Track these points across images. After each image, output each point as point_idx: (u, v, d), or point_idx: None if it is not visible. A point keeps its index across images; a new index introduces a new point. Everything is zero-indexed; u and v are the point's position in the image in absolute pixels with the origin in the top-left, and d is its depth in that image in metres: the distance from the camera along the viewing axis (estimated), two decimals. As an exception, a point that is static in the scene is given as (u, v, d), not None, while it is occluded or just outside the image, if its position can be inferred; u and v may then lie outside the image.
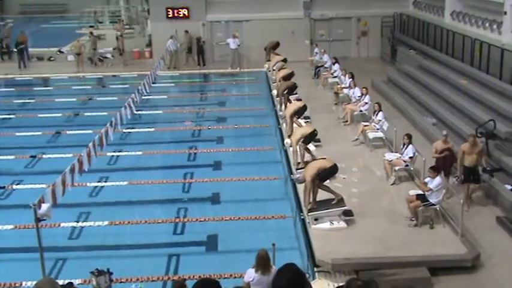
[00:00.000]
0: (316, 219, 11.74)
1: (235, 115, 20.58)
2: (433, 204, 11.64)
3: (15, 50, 29.34)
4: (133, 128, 18.46)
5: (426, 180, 11.92)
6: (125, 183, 14.74)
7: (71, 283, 4.56)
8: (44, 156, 16.91)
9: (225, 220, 12.58)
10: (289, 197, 13.87)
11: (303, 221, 12.13)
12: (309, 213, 11.81)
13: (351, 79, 20.35)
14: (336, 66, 23.47)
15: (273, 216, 12.67)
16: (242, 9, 28.40)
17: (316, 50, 26.93)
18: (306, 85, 23.52)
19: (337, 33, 29.52)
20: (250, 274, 8.26)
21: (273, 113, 20.65)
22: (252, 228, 12.25)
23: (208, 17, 28.94)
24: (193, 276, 9.36)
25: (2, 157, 16.79)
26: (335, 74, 23.17)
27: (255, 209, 13.02)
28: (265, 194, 14.06)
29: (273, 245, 9.03)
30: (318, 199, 12.16)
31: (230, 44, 27.33)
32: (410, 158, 13.82)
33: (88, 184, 14.39)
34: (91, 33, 30.36)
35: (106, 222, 12.56)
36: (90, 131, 17.27)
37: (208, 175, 15.27)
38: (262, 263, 8.20)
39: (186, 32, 28.16)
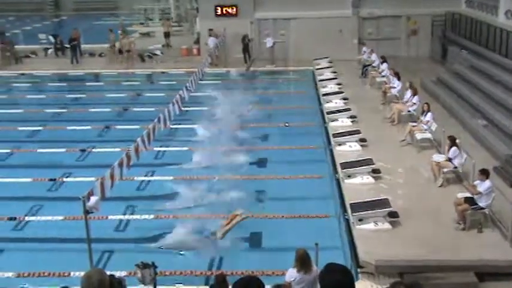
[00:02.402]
0: (360, 220, 11.64)
1: (280, 113, 20.56)
2: (482, 208, 11.37)
3: (68, 46, 30.12)
4: (180, 124, 18.64)
5: (475, 183, 11.65)
6: (171, 178, 14.95)
7: (113, 275, 4.65)
8: (93, 150, 17.31)
9: (269, 218, 12.60)
10: (334, 196, 13.79)
11: (347, 221, 12.04)
12: (354, 214, 11.71)
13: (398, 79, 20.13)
14: (384, 66, 23.17)
15: (316, 216, 12.62)
16: (290, 7, 28.31)
17: (364, 49, 26.63)
18: (353, 84, 23.34)
19: (386, 32, 29.08)
20: (292, 274, 8.24)
21: (319, 111, 20.57)
22: (295, 227, 12.22)
23: (256, 15, 29.00)
24: (236, 273, 9.44)
25: (53, 150, 17.26)
26: (383, 74, 22.88)
27: (299, 208, 12.99)
28: (309, 192, 14.01)
29: (316, 244, 9.00)
30: (363, 200, 12.03)
31: (267, 42, 27.44)
32: (450, 159, 13.54)
33: (135, 178, 14.65)
34: (110, 30, 30.70)
35: (152, 216, 12.78)
36: (138, 126, 17.57)
37: (253, 172, 15.31)
38: (303, 262, 8.17)
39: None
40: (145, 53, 29.79)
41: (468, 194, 11.89)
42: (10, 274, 10.64)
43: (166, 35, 32.19)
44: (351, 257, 10.85)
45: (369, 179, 13.94)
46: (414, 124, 16.58)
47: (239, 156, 16.56)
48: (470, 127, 17.14)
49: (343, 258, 10.84)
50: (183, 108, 17.50)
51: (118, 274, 9.55)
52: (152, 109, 19.53)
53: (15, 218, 12.90)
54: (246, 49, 28.18)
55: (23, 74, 27.97)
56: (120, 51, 28.95)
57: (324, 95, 21.65)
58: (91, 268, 8.39)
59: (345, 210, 12.52)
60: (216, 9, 28.86)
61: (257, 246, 11.75)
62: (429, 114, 16.34)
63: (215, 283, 8.44)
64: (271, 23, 29.17)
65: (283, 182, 14.62)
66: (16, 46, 30.97)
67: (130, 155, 11.70)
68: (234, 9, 28.83)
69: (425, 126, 16.20)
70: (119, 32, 30.53)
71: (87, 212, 9.33)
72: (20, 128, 19.47)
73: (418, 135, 16.01)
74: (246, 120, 19.89)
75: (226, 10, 28.86)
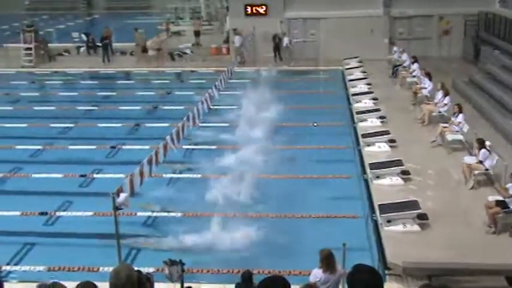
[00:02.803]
0: (389, 221, 11.54)
1: (309, 113, 20.48)
2: (514, 211, 11.17)
3: (100, 44, 30.53)
4: (209, 123, 18.71)
5: (507, 185, 11.44)
6: (199, 176, 15.03)
7: (140, 271, 4.69)
8: (123, 147, 17.52)
9: (296, 217, 12.58)
10: (362, 197, 13.70)
11: (375, 222, 11.95)
12: (382, 215, 11.62)
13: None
14: (415, 66, 22.92)
15: (344, 216, 12.56)
16: (320, 7, 28.22)
17: (394, 48, 26.39)
18: (383, 84, 23.16)
19: (417, 32, 28.78)
20: (317, 274, 8.21)
21: (348, 111, 20.45)
22: (322, 227, 12.18)
23: (286, 15, 28.97)
24: (262, 271, 9.45)
25: (84, 147, 17.53)
26: (414, 74, 22.63)
27: (327, 208, 12.94)
28: (337, 193, 13.94)
29: (344, 245, 8.95)
30: (391, 201, 11.93)
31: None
32: (481, 162, 13.32)
33: (164, 175, 14.77)
34: (136, 29, 30.91)
35: (180, 214, 12.87)
36: (167, 124, 17.71)
37: (282, 171, 15.30)
38: (328, 262, 8.13)
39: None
40: (176, 51, 30.02)
41: (500, 197, 11.70)
42: (41, 268, 10.84)
43: (197, 33, 32.39)
44: (378, 259, 10.76)
45: (398, 180, 13.81)
46: (445, 125, 16.36)
47: (268, 156, 16.56)
48: (502, 128, 16.84)
49: (371, 259, 10.76)
50: (212, 107, 17.59)
51: (146, 270, 9.70)
52: (181, 107, 19.68)
53: (46, 213, 13.14)
54: (277, 48, 28.22)
55: (56, 72, 28.45)
56: (145, 50, 29.22)
57: (354, 95, 21.53)
58: (119, 263, 8.49)
59: (373, 211, 12.43)
60: (246, 8, 28.93)
61: (284, 246, 11.72)
62: (461, 115, 16.11)
63: (241, 280, 8.47)
64: (301, 23, 29.12)
65: (312, 181, 14.58)
66: (50, 44, 31.54)
67: (159, 152, 11.81)
68: (264, 9, 28.86)
69: (456, 128, 15.98)
70: (164, 27, 30.59)
71: (116, 208, 9.44)
72: (52, 125, 19.81)
73: (449, 137, 15.80)
74: (275, 120, 19.88)
75: (256, 9, 28.91)
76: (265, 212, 12.91)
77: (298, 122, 19.42)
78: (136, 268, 4.65)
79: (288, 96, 23.19)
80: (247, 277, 8.67)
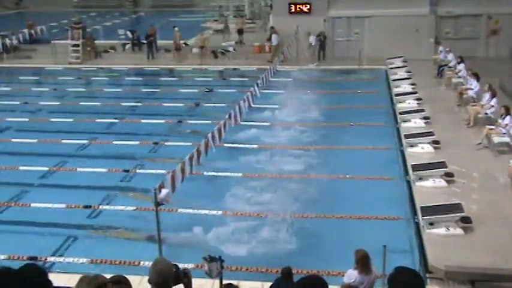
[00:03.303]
0: (431, 224, 11.35)
1: (351, 112, 20.32)
2: (562, 218, 10.84)
3: (145, 41, 30.97)
4: (250, 121, 18.75)
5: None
6: (240, 174, 15.09)
7: (177, 266, 4.76)
8: (165, 143, 17.74)
9: (336, 218, 12.50)
10: (404, 198, 13.51)
11: (417, 224, 11.77)
12: (424, 217, 11.44)
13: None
14: (461, 66, 22.44)
15: (385, 217, 12.42)
16: (365, 5, 27.95)
17: (440, 48, 25.91)
18: (428, 85, 22.78)
19: (464, 31, 28.18)
20: (351, 275, 8.14)
21: (391, 111, 20.20)
22: (363, 228, 12.07)
23: (330, 13, 28.79)
24: (301, 271, 9.42)
25: (127, 142, 17.81)
26: (460, 74, 22.17)
27: (368, 209, 12.81)
28: (378, 194, 13.79)
29: (384, 246, 8.86)
30: (434, 203, 11.72)
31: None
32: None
33: (205, 173, 14.88)
34: (174, 27, 31.09)
35: (220, 212, 12.95)
36: (209, 122, 17.85)
37: (321, 171, 15.22)
38: (363, 263, 8.05)
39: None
40: (219, 49, 30.20)
41: (547, 202, 11.37)
42: (84, 260, 11.08)
43: (240, 31, 32.52)
44: (419, 262, 10.60)
45: (441, 182, 13.56)
46: (492, 127, 15.98)
47: (309, 155, 16.52)
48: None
49: (412, 262, 10.60)
50: (253, 105, 17.64)
51: (185, 266, 9.81)
52: (223, 105, 19.80)
53: (90, 206, 13.41)
54: (321, 46, 28.11)
55: (101, 68, 29.02)
56: (177, 48, 29.50)
57: (397, 95, 21.24)
58: (158, 258, 8.59)
59: (415, 213, 12.25)
60: (289, 7, 28.88)
61: (323, 246, 11.67)
62: (508, 117, 15.70)
63: (281, 276, 8.48)
64: (345, 21, 28.90)
65: (353, 182, 14.46)
66: (96, 41, 32.16)
67: (200, 150, 11.92)
68: (308, 7, 28.75)
69: (503, 130, 15.58)
70: (223, 24, 30.80)
71: (158, 203, 9.57)
72: (98, 120, 20.21)
73: (496, 139, 15.42)
74: (316, 119, 19.81)
75: (299, 7, 28.83)
76: (305, 212, 12.87)
77: (340, 122, 19.28)
78: (173, 263, 4.70)
79: (330, 95, 23.07)
80: (286, 273, 8.70)
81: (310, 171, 15.23)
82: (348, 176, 14.69)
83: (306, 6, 28.78)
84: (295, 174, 15.11)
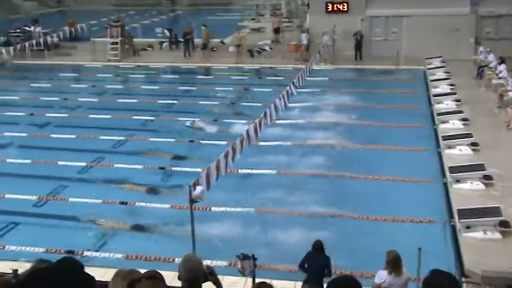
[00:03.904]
0: (468, 227, 11.15)
1: (388, 113, 20.11)
2: None
3: (182, 40, 31.23)
4: (285, 120, 18.72)
5: None
6: (274, 172, 15.09)
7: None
8: (201, 141, 17.84)
9: (371, 220, 12.39)
10: (440, 201, 13.31)
11: (453, 227, 11.58)
12: (461, 220, 11.24)
13: None
14: (502, 67, 21.95)
15: (420, 220, 12.25)
16: (403, 5, 27.57)
17: (480, 49, 25.38)
18: (468, 86, 22.36)
19: (506, 32, 27.51)
20: (382, 276, 8.09)
21: (429, 112, 19.91)
22: (397, 230, 11.92)
23: (367, 12, 28.52)
24: (334, 272, 9.35)
25: (163, 139, 17.98)
26: (500, 75, 21.69)
27: (403, 211, 12.65)
28: (414, 195, 13.60)
29: (419, 249, 8.74)
30: (472, 206, 11.51)
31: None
32: None
33: (239, 171, 14.93)
34: (204, 25, 31.11)
35: (252, 210, 12.97)
36: (244, 121, 17.90)
37: (356, 172, 15.11)
38: (394, 264, 7.99)
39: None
40: (255, 48, 30.23)
41: None
42: (119, 255, 11.25)
43: (276, 30, 32.49)
44: (455, 265, 10.43)
45: (479, 185, 13.31)
46: (532, 130, 15.62)
47: (344, 155, 16.42)
48: None
49: (447, 265, 10.42)
50: (288, 104, 17.60)
51: (219, 264, 9.88)
52: (259, 104, 19.80)
53: (126, 203, 13.59)
54: (358, 45, 27.89)
55: (139, 66, 29.36)
56: (205, 46, 29.72)
57: (435, 95, 20.93)
58: (188, 255, 8.64)
59: (451, 216, 12.05)
60: (326, 6, 28.71)
61: (357, 247, 11.58)
62: (550, 120, 15.32)
63: (312, 250, 8.97)
64: (383, 21, 28.59)
65: (388, 183, 14.31)
66: (134, 39, 32.57)
67: (235, 148, 11.96)
68: (345, 6, 28.55)
69: (544, 133, 15.21)
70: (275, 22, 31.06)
71: (192, 201, 9.64)
72: (134, 117, 20.45)
73: (537, 142, 15.07)
74: (352, 119, 19.67)
75: (337, 6, 28.64)
76: (339, 212, 12.80)
77: (376, 122, 19.09)
78: (206, 262, 4.74)
79: (367, 95, 22.86)
80: (318, 246, 8.83)
81: (345, 171, 15.13)
82: (383, 178, 14.54)
83: (343, 5, 28.57)
84: (329, 173, 15.02)
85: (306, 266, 9.16)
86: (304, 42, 28.38)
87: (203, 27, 30.60)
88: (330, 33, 27.26)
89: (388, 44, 27.81)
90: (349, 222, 12.40)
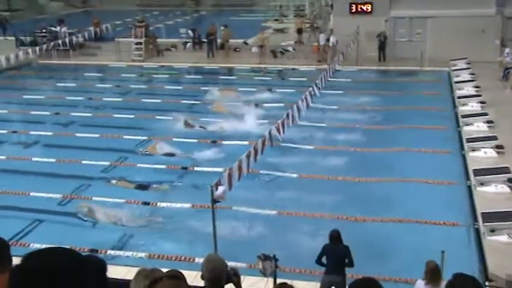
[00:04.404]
0: (492, 231, 11.02)
1: (412, 114, 19.93)
2: None
3: (205, 40, 31.37)
4: (307, 121, 18.67)
5: None
6: (295, 175, 15.05)
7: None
8: (223, 142, 17.88)
9: (393, 221, 12.30)
10: (464, 204, 13.16)
11: (477, 230, 11.45)
12: (485, 224, 11.11)
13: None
14: (529, 69, 21.65)
15: (444, 223, 12.12)
16: (428, 6, 27.32)
17: (506, 50, 24.98)
18: (493, 87, 22.08)
19: (534, 33, 27.14)
20: (420, 286, 8.01)
21: (453, 114, 19.70)
22: (420, 233, 11.83)
23: (391, 13, 28.32)
24: (356, 275, 9.32)
25: (186, 139, 18.05)
26: (527, 77, 21.39)
27: (426, 213, 12.53)
28: (438, 198, 13.47)
29: (442, 252, 8.66)
30: (496, 210, 11.36)
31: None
32: None
33: (261, 172, 14.93)
34: (225, 26, 31.23)
35: (274, 212, 12.96)
36: (266, 121, 17.91)
37: (379, 174, 15.02)
38: (432, 275, 7.89)
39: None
40: (278, 48, 30.23)
41: None
42: (142, 254, 11.33)
43: (299, 31, 32.45)
44: (479, 269, 10.31)
45: (504, 188, 13.13)
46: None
47: (367, 157, 16.33)
48: None
49: (471, 269, 10.29)
50: (311, 105, 17.55)
51: (240, 265, 9.89)
52: (281, 104, 19.79)
53: (148, 203, 13.68)
54: (381, 46, 27.73)
55: (162, 66, 29.56)
56: (222, 46, 29.75)
57: (460, 97, 20.71)
58: (211, 255, 8.68)
59: (475, 220, 11.91)
60: (350, 6, 28.59)
61: (380, 250, 11.51)
62: None
63: (329, 241, 8.99)
64: (407, 22, 28.37)
65: (411, 185, 14.18)
66: (158, 39, 32.79)
67: (257, 148, 11.97)
68: (369, 7, 28.39)
69: None
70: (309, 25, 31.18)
71: (214, 201, 9.67)
72: (157, 117, 20.57)
73: None
74: (376, 121, 19.56)
75: (360, 7, 28.51)
76: (361, 214, 12.73)
77: (399, 124, 18.95)
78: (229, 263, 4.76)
79: (390, 96, 22.71)
80: (335, 236, 8.79)
81: (368, 174, 15.04)
82: (406, 180, 14.43)
83: (367, 6, 28.42)
84: (351, 175, 14.95)
85: (324, 259, 9.15)
86: (322, 42, 28.31)
87: (222, 27, 30.72)
88: (353, 35, 27.13)
89: (412, 45, 27.59)
90: (372, 224, 12.32)
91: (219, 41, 30.82)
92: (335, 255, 9.08)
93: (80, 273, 2.14)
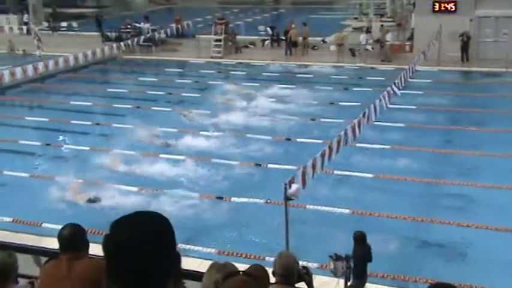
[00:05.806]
0: None
1: (496, 117, 19.17)
2: None
3: (283, 38, 31.43)
4: (385, 122, 18.33)
5: None
6: (371, 175, 14.83)
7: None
8: (297, 140, 17.86)
9: (479, 228, 11.86)
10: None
11: None
12: None
13: None
14: None
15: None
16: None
17: None
18: None
19: None
20: None
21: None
22: (492, 239, 11.38)
23: (476, 12, 27.30)
24: (427, 280, 9.10)
25: (260, 136, 18.08)
26: None
27: (499, 219, 12.03)
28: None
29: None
30: None
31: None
32: None
33: (335, 172, 14.81)
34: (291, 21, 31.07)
35: (347, 211, 12.83)
36: (341, 120, 17.74)
37: (457, 178, 14.57)
38: None
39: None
40: (357, 47, 29.85)
41: None
42: (212, 250, 11.46)
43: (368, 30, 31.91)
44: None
45: None
46: None
47: (443, 161, 15.89)
48: None
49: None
50: (389, 105, 17.22)
51: (311, 264, 9.87)
52: (358, 103, 19.53)
53: (222, 197, 13.87)
54: (464, 47, 26.80)
55: (240, 63, 29.86)
56: (295, 44, 29.71)
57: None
58: (283, 252, 8.70)
59: None
60: (433, 5, 27.78)
61: (462, 257, 11.17)
62: None
63: (354, 242, 8.84)
64: (493, 21, 27.26)
65: (490, 191, 13.66)
66: (237, 36, 33.16)
67: (332, 147, 11.89)
68: (453, 6, 27.49)
69: None
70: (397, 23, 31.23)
71: (287, 198, 9.69)
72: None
73: None
74: (456, 123, 18.97)
75: (444, 6, 27.65)
76: (438, 218, 12.40)
77: (480, 127, 18.27)
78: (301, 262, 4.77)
79: (472, 98, 21.96)
80: (359, 237, 8.62)
81: (442, 177, 14.66)
82: (480, 184, 13.93)
83: (451, 5, 27.52)
84: (426, 178, 14.60)
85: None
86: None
87: (293, 25, 30.68)
88: (435, 34, 26.38)
89: (497, 45, 26.51)
90: (448, 228, 11.97)
91: (299, 38, 30.76)
92: (360, 255, 8.96)
93: (168, 235, 2.20)
